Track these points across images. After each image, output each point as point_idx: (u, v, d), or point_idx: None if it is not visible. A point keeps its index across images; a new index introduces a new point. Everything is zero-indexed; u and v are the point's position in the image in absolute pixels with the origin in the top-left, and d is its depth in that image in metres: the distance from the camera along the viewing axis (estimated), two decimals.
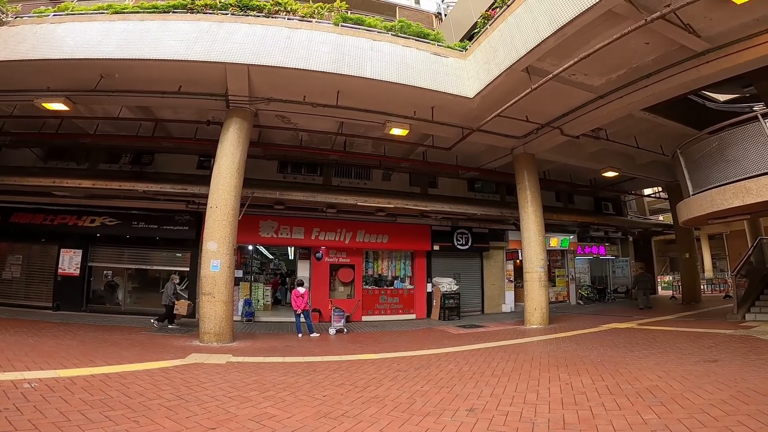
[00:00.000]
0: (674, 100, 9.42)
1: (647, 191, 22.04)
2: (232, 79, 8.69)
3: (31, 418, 3.59)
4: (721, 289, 21.29)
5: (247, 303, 12.43)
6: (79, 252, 12.24)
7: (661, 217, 23.84)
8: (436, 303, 13.69)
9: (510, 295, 15.82)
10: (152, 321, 10.15)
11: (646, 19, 5.89)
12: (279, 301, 15.25)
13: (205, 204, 8.98)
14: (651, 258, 22.00)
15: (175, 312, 10.22)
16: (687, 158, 9.08)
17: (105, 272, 12.83)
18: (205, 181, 9.55)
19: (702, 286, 19.56)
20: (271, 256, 17.61)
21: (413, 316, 13.99)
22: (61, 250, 12.20)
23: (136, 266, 12.88)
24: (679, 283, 18.28)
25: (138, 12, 8.64)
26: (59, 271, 12.12)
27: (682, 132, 11.32)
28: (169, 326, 10.18)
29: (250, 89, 8.94)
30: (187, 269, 12.47)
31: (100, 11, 8.72)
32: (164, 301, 10.31)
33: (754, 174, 7.35)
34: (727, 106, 12.28)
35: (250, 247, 14.50)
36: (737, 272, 11.40)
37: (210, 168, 9.51)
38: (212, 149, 9.44)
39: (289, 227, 12.88)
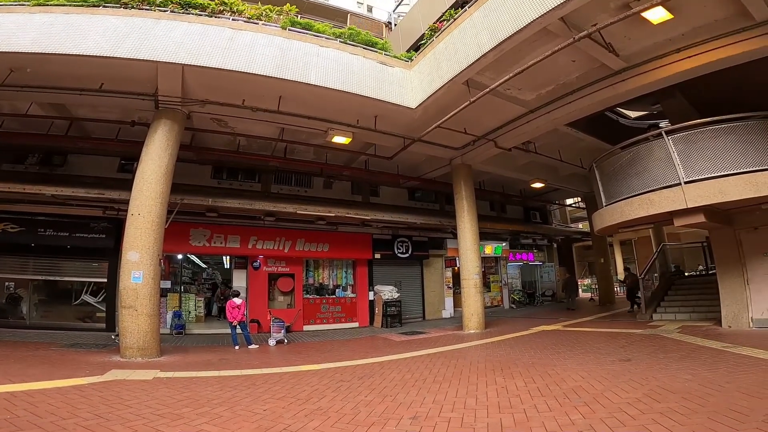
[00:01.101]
0: (593, 116, 10.37)
1: (569, 201, 24.09)
2: (163, 79, 8.15)
3: None
4: None
5: (177, 315, 11.59)
6: None
7: (580, 225, 26.02)
8: (378, 311, 13.73)
9: (449, 301, 16.34)
10: (113, 336, 9.43)
11: (574, 37, 6.47)
12: (210, 312, 14.35)
13: (126, 210, 8.28)
14: (572, 263, 23.91)
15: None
16: (601, 171, 9.90)
17: (6, 284, 11.30)
18: (127, 185, 8.78)
19: (615, 288, 21.60)
20: (204, 265, 16.59)
21: (356, 325, 13.92)
22: None
23: (44, 277, 11.43)
24: (596, 286, 20.04)
25: (63, 5, 7.84)
26: None
27: (599, 146, 12.45)
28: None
29: (183, 90, 8.44)
30: (105, 280, 11.35)
31: (20, 3, 7.81)
32: None
33: (656, 187, 8.12)
34: (637, 122, 13.69)
35: (180, 256, 13.55)
36: (644, 275, 12.76)
37: (133, 172, 8.75)
38: (136, 151, 8.72)
39: (224, 235, 12.25)
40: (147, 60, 7.61)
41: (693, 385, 4.79)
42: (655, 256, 13.80)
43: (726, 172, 7.36)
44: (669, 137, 8.06)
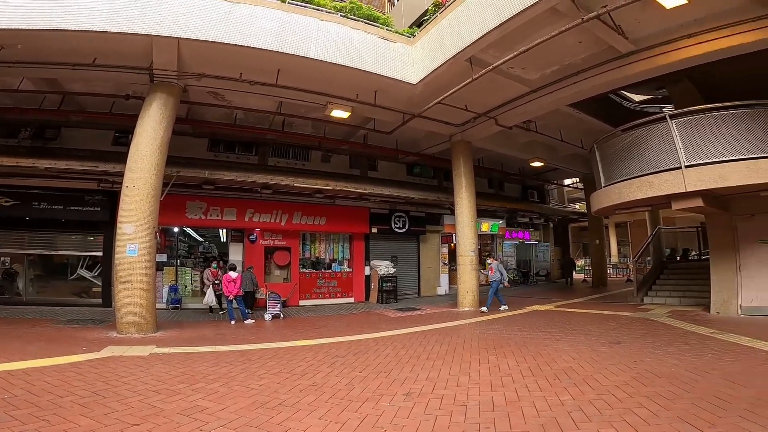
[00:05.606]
0: (596, 98, 10.27)
1: (567, 181, 23.99)
2: (158, 53, 7.93)
3: None
4: (624, 273, 23.90)
5: (173, 289, 11.66)
6: None
7: (577, 206, 26.03)
8: (374, 286, 13.87)
9: (445, 278, 16.50)
10: (247, 311, 9.90)
11: (583, 18, 6.27)
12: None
13: (121, 183, 8.18)
14: (568, 243, 24.09)
15: (258, 297, 10.82)
16: (602, 153, 9.82)
17: (2, 259, 11.26)
18: (122, 158, 8.67)
19: (608, 271, 21.85)
20: (200, 239, 16.56)
21: (352, 300, 14.08)
22: None
23: (39, 251, 11.41)
24: (590, 267, 20.28)
25: None
26: None
27: (600, 128, 12.35)
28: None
29: (179, 63, 8.23)
30: (100, 254, 11.35)
31: None
32: (247, 288, 10.24)
33: (656, 170, 8.10)
34: (641, 106, 13.54)
35: (176, 230, 13.50)
36: (638, 258, 12.86)
37: (128, 144, 8.61)
38: (131, 124, 8.59)
39: (220, 208, 12.20)
40: (142, 34, 7.36)
41: (679, 371, 4.89)
42: (649, 240, 13.88)
43: (727, 158, 7.30)
44: (672, 121, 7.95)
